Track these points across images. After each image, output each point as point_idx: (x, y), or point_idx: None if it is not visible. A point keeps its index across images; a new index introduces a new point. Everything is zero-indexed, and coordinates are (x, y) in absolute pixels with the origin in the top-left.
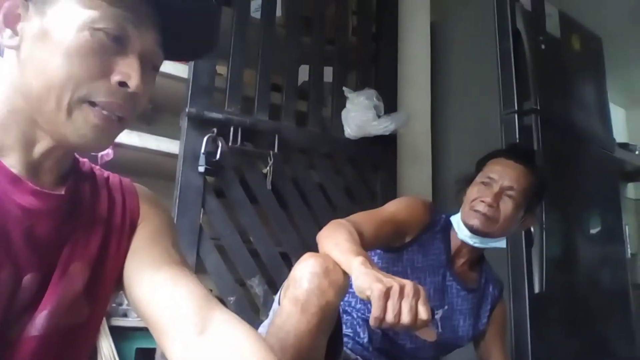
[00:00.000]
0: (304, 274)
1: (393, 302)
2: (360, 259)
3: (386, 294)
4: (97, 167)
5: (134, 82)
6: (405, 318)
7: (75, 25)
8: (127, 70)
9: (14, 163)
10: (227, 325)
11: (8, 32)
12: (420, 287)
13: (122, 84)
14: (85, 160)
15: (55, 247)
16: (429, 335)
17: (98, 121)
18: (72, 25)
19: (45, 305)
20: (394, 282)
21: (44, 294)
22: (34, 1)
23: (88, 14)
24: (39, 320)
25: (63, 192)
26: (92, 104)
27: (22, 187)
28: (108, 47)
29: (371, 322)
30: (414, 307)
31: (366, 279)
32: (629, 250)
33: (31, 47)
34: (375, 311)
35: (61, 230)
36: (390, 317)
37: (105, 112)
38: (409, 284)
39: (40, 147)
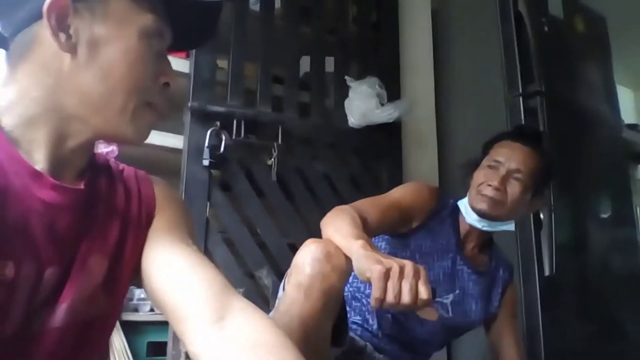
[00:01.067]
0: (306, 260)
1: (393, 283)
2: (360, 242)
3: (386, 275)
4: (112, 159)
5: (174, 83)
6: (406, 298)
7: (136, 33)
8: (170, 72)
9: (41, 158)
10: (244, 313)
11: (63, 35)
12: (421, 267)
13: (166, 84)
14: (100, 152)
15: (75, 241)
16: (430, 314)
17: (154, 120)
18: (133, 33)
19: (66, 298)
20: (394, 263)
21: (64, 287)
22: (83, 1)
23: (144, 21)
24: (60, 312)
25: (82, 187)
26: (149, 104)
27: (43, 182)
28: (159, 51)
29: (372, 302)
30: (414, 287)
31: (366, 261)
32: None
33: (91, 51)
34: (375, 292)
35: (80, 224)
36: (390, 297)
37: (158, 112)
38: (408, 264)
39: (72, 142)
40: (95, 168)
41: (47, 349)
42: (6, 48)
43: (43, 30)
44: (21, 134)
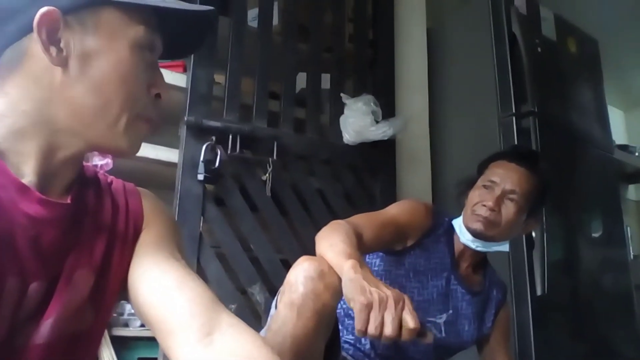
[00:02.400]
0: (299, 278)
1: (375, 315)
2: (350, 262)
3: (368, 307)
4: (101, 171)
5: (166, 94)
6: (388, 330)
7: (127, 45)
8: (162, 83)
9: (28, 171)
10: (233, 329)
11: (54, 49)
12: (405, 296)
13: (158, 95)
14: (89, 164)
15: (61, 255)
16: (426, 339)
17: (147, 132)
18: (124, 45)
19: (51, 313)
20: (376, 294)
21: (50, 302)
22: (73, 14)
23: (135, 32)
24: (44, 328)
25: (69, 201)
26: (141, 116)
27: (29, 196)
28: (151, 62)
29: (356, 333)
30: (397, 318)
31: (351, 289)
32: (631, 252)
33: (82, 64)
34: (357, 324)
35: (66, 238)
36: (371, 329)
37: (150, 123)
38: (392, 295)
39: (62, 154)
40: (84, 181)
41: None
42: None
43: (33, 43)
44: (9, 147)
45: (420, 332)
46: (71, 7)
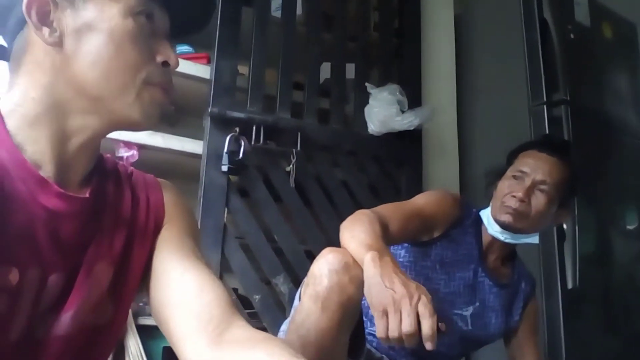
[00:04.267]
0: (324, 271)
1: (392, 317)
2: (370, 255)
3: (384, 313)
4: (121, 163)
5: (174, 61)
6: (405, 326)
7: (119, 13)
8: (167, 51)
9: (46, 161)
10: (247, 333)
11: (46, 30)
12: (422, 289)
13: (165, 63)
14: (109, 156)
15: (80, 248)
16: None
17: (163, 99)
18: (116, 13)
19: (71, 305)
20: (390, 297)
21: (69, 294)
22: None
23: (126, 1)
24: (65, 320)
25: (88, 195)
26: (152, 84)
27: (48, 190)
28: (148, 29)
29: (380, 340)
30: (413, 313)
31: (367, 291)
32: None
33: (77, 40)
34: (378, 332)
35: (85, 231)
36: (392, 332)
37: (162, 90)
38: (406, 293)
39: (77, 140)
40: (103, 172)
41: (51, 357)
42: (7, 59)
43: (31, 32)
44: (25, 136)
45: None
46: None
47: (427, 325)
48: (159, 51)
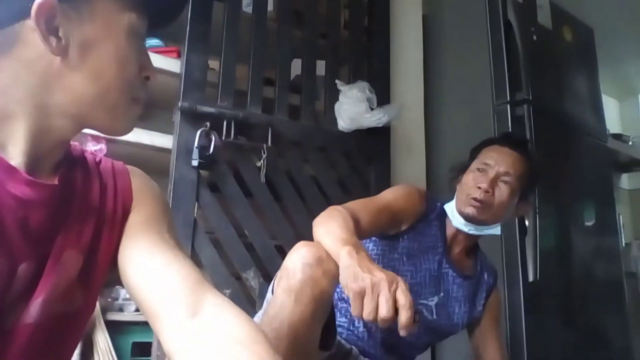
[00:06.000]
0: (297, 265)
1: (368, 300)
2: (347, 248)
3: (360, 294)
4: (89, 151)
5: (156, 77)
6: (382, 311)
7: (124, 32)
8: (151, 66)
9: (17, 152)
10: (218, 308)
11: (53, 39)
12: (399, 278)
13: (147, 78)
14: (76, 143)
15: (49, 236)
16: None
17: (139, 113)
18: (121, 32)
19: (40, 293)
20: (369, 279)
21: (39, 282)
22: (68, 2)
23: (129, 19)
24: (34, 308)
25: (56, 182)
26: (134, 99)
27: (17, 177)
28: (141, 45)
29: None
30: (391, 299)
31: (344, 277)
32: (622, 240)
33: (82, 53)
34: (352, 310)
35: (54, 219)
36: (366, 314)
37: (141, 105)
38: (385, 278)
39: (54, 136)
40: (71, 161)
41: (21, 345)
42: None
43: (27, 31)
44: None
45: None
46: None
47: (405, 316)
48: (145, 66)
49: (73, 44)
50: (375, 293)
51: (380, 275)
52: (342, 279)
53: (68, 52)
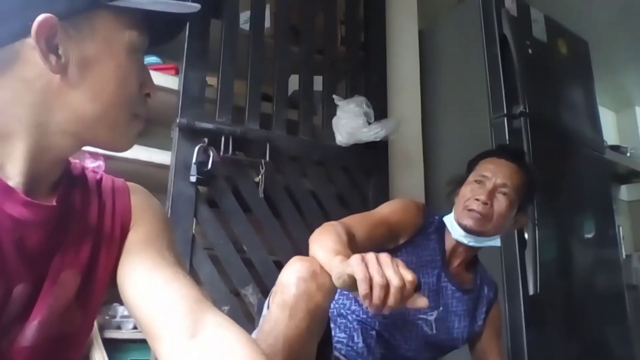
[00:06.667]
0: (291, 279)
1: (375, 268)
2: (339, 258)
3: (364, 261)
4: (90, 168)
5: (156, 93)
6: (395, 280)
7: (124, 50)
8: (151, 83)
9: (15, 172)
10: (218, 328)
11: (53, 57)
12: (396, 259)
13: (147, 94)
14: (77, 161)
15: (46, 257)
16: (421, 302)
17: (139, 130)
18: (121, 50)
19: (36, 315)
20: (367, 256)
21: (35, 304)
22: (68, 20)
23: (129, 36)
24: (30, 330)
25: (54, 203)
26: (135, 115)
27: (14, 198)
28: (141, 62)
29: (361, 300)
30: (399, 271)
31: (339, 266)
32: (623, 251)
33: (81, 71)
34: (360, 289)
35: (51, 240)
36: (378, 279)
37: (142, 121)
38: (382, 254)
39: (53, 154)
40: (70, 179)
41: None
42: None
43: (27, 49)
44: None
45: (417, 287)
46: (67, 13)
47: (412, 286)
48: (145, 83)
49: (73, 61)
50: (378, 263)
51: (376, 258)
52: (336, 269)
53: (68, 70)
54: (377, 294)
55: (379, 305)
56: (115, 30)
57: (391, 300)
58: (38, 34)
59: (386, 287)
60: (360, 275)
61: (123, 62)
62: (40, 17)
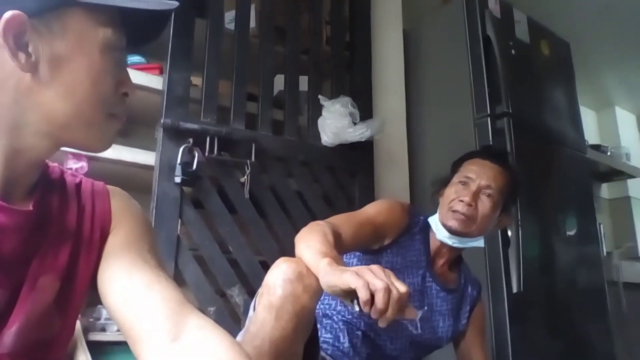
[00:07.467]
0: (277, 280)
1: (372, 276)
2: (326, 260)
3: (359, 274)
4: (69, 171)
5: (134, 93)
6: (401, 287)
7: (97, 48)
8: (129, 82)
9: None
10: (201, 331)
11: (22, 55)
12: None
13: (125, 94)
14: (56, 165)
15: (23, 262)
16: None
17: (117, 130)
18: (94, 48)
19: (14, 321)
20: (364, 268)
21: (12, 310)
22: (39, 17)
23: (103, 34)
24: (8, 337)
25: (31, 207)
26: (112, 115)
27: None
28: (118, 61)
29: (362, 306)
30: (393, 282)
31: (332, 276)
32: (604, 248)
33: (52, 69)
34: (361, 295)
35: (28, 245)
36: (379, 284)
37: (119, 121)
38: (374, 266)
39: (28, 156)
40: (48, 183)
41: None
42: None
43: None
44: None
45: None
46: (37, 10)
47: (405, 296)
48: (122, 82)
49: (44, 60)
50: (373, 274)
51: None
52: (328, 279)
53: (39, 68)
54: (380, 298)
55: (382, 309)
56: (88, 27)
57: (389, 312)
58: (6, 31)
59: (389, 290)
60: (358, 283)
61: (97, 61)
62: (8, 14)
